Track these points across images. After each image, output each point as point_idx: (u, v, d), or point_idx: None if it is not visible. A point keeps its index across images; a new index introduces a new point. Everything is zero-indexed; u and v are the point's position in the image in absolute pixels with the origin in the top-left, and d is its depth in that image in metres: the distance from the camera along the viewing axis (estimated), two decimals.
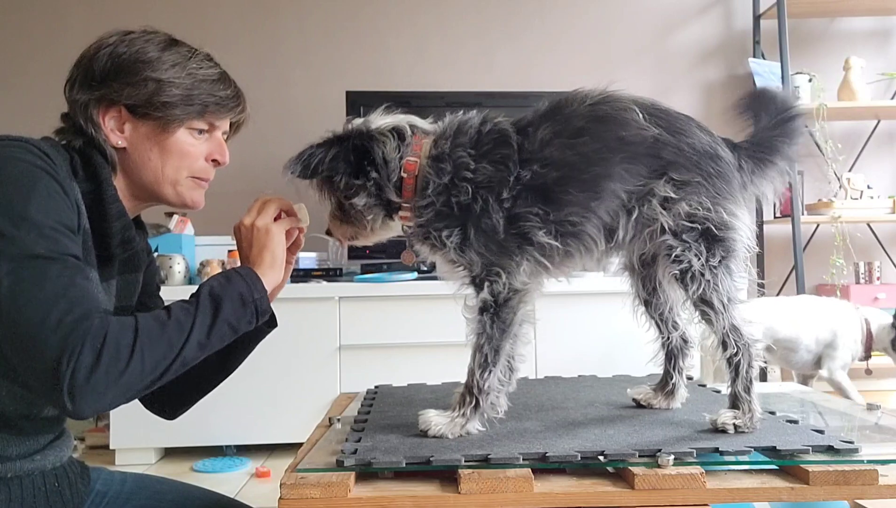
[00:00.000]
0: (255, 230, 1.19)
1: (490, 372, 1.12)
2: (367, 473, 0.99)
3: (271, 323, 1.24)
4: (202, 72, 1.18)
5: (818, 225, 3.82)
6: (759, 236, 3.84)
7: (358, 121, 1.20)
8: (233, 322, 1.07)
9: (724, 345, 1.14)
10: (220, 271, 2.08)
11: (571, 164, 1.12)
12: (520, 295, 1.14)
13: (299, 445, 1.17)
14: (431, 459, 0.99)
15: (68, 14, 3.70)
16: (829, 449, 1.03)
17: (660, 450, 0.99)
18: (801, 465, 0.98)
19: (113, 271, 1.19)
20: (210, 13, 3.76)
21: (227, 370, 1.32)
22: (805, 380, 3.04)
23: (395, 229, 1.23)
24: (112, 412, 2.73)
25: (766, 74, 3.63)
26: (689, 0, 3.93)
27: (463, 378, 1.16)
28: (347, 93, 3.23)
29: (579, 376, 1.68)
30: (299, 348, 2.87)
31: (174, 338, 1.00)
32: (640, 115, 1.13)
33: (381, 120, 1.18)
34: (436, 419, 1.12)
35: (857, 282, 3.77)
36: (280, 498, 0.93)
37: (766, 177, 1.19)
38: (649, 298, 1.29)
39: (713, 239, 1.12)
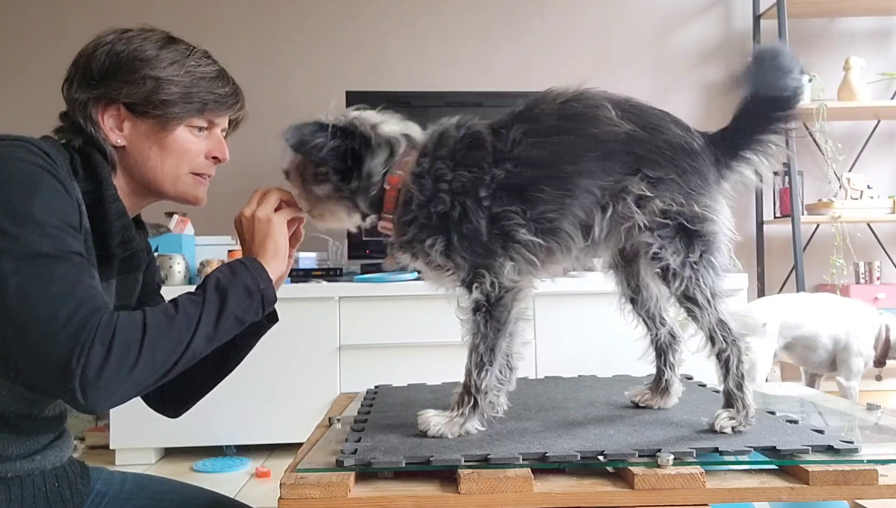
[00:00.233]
0: (257, 221, 1.19)
1: (487, 371, 1.12)
2: (366, 473, 0.99)
3: (272, 318, 1.24)
4: (201, 69, 1.18)
5: (818, 225, 3.82)
6: (759, 236, 3.85)
7: (366, 116, 1.18)
8: (239, 314, 1.08)
9: (712, 340, 1.13)
10: None
11: (543, 162, 1.12)
12: (513, 293, 1.13)
13: (299, 445, 1.16)
14: (431, 459, 0.99)
15: (68, 14, 3.70)
16: (829, 449, 1.02)
17: (659, 450, 0.99)
18: (801, 465, 0.98)
19: (112, 271, 1.19)
20: (210, 13, 3.76)
21: (228, 367, 1.32)
22: (812, 380, 3.00)
23: (351, 225, 1.23)
24: (112, 412, 2.73)
25: None
26: (689, 0, 3.92)
27: (463, 378, 1.15)
28: (347, 93, 3.22)
29: (579, 376, 1.68)
30: (299, 348, 2.87)
31: (182, 332, 1.00)
32: (613, 112, 1.12)
33: (387, 127, 1.17)
34: (435, 420, 1.12)
35: (857, 282, 3.77)
36: (280, 498, 0.93)
37: (743, 170, 1.16)
38: (635, 295, 1.29)
39: (691, 235, 1.11)
